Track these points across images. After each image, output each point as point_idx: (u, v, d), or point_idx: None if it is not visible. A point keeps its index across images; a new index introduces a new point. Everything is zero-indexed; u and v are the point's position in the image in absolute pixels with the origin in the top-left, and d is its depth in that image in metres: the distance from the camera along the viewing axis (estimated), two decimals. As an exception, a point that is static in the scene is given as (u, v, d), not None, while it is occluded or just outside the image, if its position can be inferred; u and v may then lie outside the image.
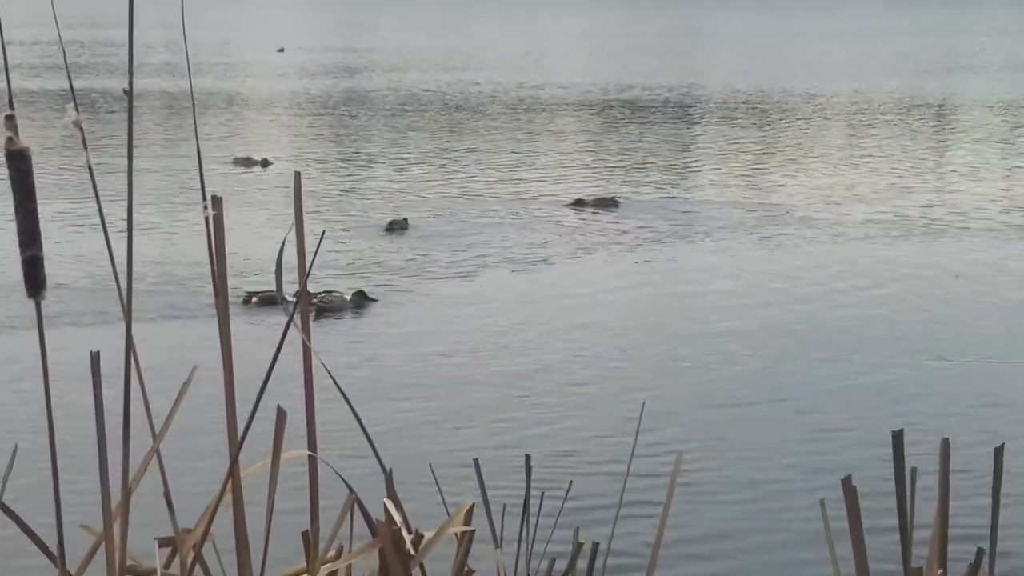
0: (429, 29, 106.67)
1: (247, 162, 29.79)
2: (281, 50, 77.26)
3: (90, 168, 3.80)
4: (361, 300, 18.36)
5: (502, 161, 33.41)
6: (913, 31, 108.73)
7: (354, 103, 48.57)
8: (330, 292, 18.35)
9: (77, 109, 3.66)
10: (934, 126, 45.55)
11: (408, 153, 35.07)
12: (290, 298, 16.77)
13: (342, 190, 28.65)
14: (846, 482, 4.17)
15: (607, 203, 26.99)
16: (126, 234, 3.59)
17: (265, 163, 29.66)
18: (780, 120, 46.16)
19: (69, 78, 3.87)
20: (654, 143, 39.48)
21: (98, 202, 3.69)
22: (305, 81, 57.88)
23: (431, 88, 54.95)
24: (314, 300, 18.18)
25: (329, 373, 3.85)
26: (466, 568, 4.63)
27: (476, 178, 30.64)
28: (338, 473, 4.21)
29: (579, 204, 26.91)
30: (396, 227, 23.36)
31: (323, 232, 3.97)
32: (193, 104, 6.18)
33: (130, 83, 3.21)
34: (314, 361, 3.95)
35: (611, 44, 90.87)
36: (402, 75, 61.49)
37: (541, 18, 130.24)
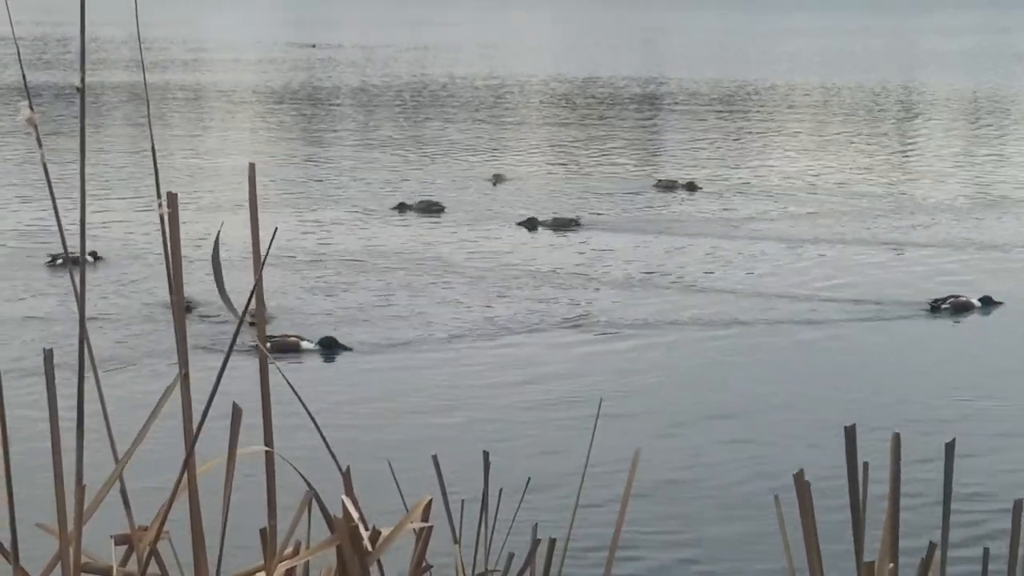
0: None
1: (670, 185, 29.01)
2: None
3: (44, 166, 3.79)
4: None
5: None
6: (878, 31, 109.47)
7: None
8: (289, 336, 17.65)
9: (32, 107, 3.65)
10: (895, 118, 46.01)
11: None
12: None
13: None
14: (798, 477, 4.21)
15: (566, 224, 26.43)
16: (79, 225, 3.59)
17: (692, 187, 28.73)
18: (747, 111, 46.52)
19: (23, 75, 3.86)
20: (628, 131, 39.73)
21: (51, 193, 3.70)
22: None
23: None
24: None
25: (281, 372, 3.85)
26: (424, 563, 4.64)
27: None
28: (295, 468, 4.22)
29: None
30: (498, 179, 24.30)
31: (275, 229, 3.98)
32: (147, 99, 6.15)
33: (82, 80, 3.20)
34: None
35: (584, 40, 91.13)
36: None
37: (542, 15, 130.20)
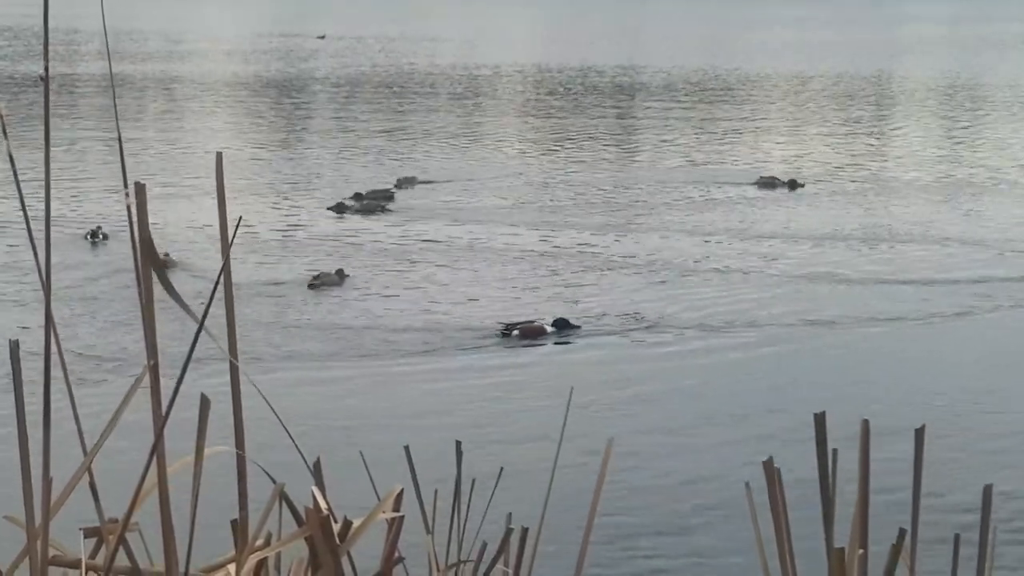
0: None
1: (772, 183, 28.41)
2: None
3: (11, 156, 3.77)
4: None
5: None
6: (856, 22, 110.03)
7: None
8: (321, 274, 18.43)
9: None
10: (872, 104, 46.39)
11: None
12: (549, 328, 16.61)
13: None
14: (768, 464, 4.23)
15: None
16: (44, 212, 3.57)
17: (793, 184, 28.12)
18: (726, 97, 46.82)
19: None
20: (604, 119, 39.87)
21: (18, 187, 3.67)
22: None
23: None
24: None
25: (241, 368, 3.84)
26: (396, 554, 4.63)
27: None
28: (262, 468, 4.20)
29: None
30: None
31: (239, 218, 3.97)
32: (113, 88, 6.11)
33: (46, 68, 3.18)
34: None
35: (568, 34, 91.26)
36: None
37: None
